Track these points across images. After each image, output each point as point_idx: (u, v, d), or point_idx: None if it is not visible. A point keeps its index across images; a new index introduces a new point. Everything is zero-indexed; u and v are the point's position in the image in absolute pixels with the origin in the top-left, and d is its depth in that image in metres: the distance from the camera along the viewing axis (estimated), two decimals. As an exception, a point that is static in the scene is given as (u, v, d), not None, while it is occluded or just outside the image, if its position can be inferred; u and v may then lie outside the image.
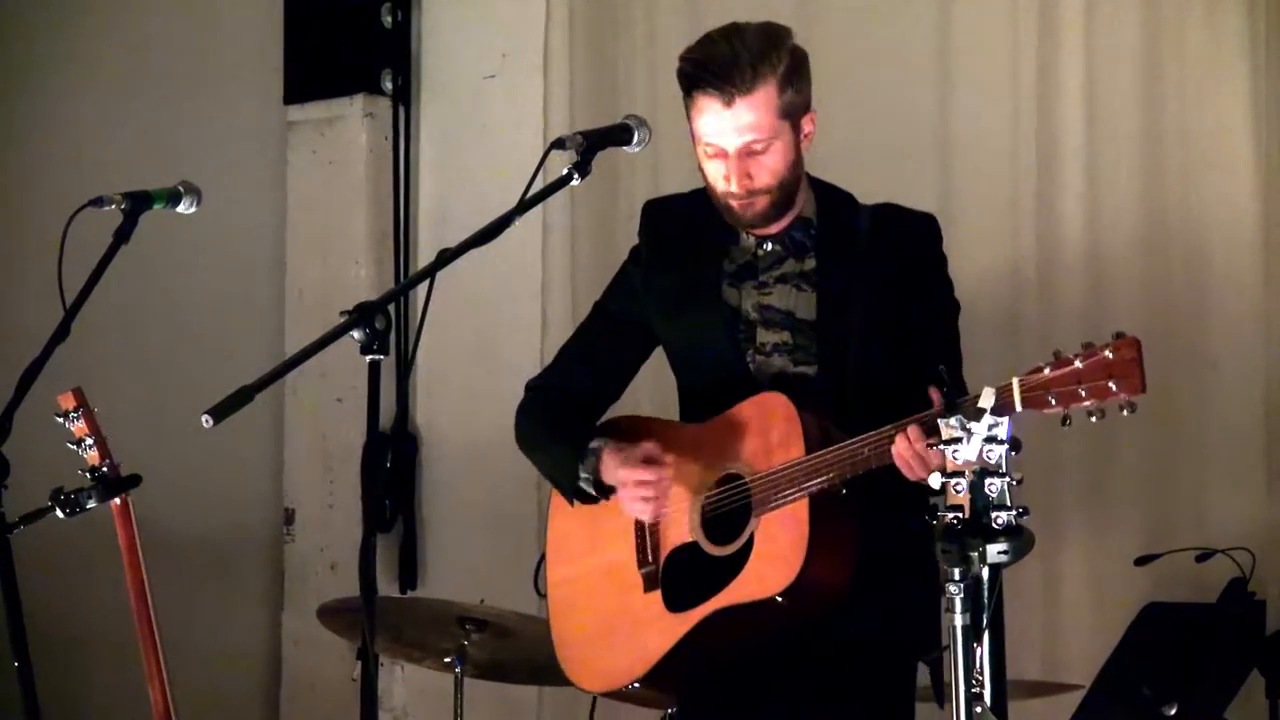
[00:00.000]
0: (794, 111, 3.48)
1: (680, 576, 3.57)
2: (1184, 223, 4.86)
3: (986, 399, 2.76)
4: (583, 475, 3.63)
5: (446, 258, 3.18)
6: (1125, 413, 2.91)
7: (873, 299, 3.53)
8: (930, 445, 2.87)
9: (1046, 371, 2.93)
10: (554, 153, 3.31)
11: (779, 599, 3.36)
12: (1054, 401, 2.93)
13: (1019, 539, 2.75)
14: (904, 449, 3.22)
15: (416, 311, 4.21)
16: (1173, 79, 4.88)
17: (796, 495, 3.37)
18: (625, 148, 3.45)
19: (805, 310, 3.56)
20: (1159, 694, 4.03)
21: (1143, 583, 4.56)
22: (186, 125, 6.51)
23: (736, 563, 3.45)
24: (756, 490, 3.45)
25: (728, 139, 3.46)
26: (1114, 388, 2.90)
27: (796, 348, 3.56)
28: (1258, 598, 4.37)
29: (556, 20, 5.81)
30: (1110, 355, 2.92)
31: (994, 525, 2.73)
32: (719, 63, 3.44)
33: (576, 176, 3.30)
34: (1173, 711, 4.01)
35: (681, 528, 3.57)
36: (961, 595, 2.74)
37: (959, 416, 2.75)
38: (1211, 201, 4.83)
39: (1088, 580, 4.88)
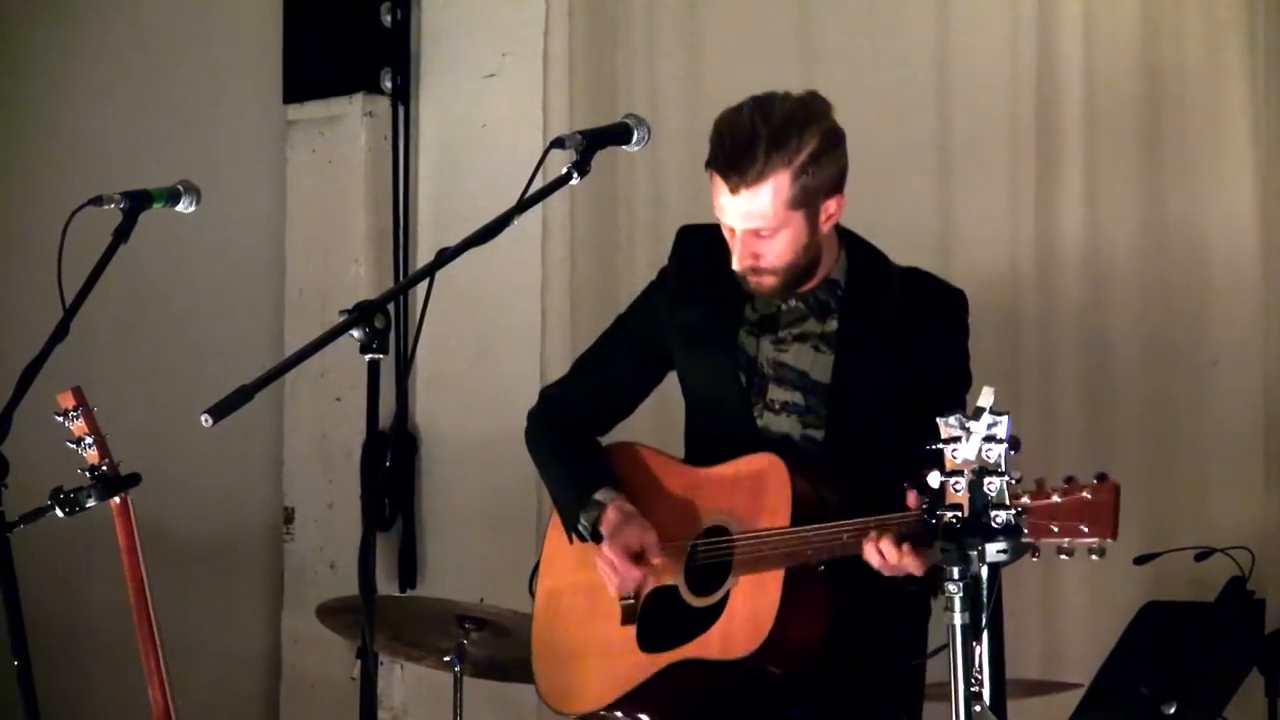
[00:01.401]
0: (809, 198, 3.42)
1: (658, 616, 3.58)
2: (1183, 221, 4.86)
3: (986, 398, 2.76)
4: (583, 522, 3.65)
5: (446, 257, 3.18)
6: (1094, 557, 2.88)
7: (889, 369, 3.51)
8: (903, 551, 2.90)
9: (1025, 500, 2.86)
10: (553, 152, 3.31)
11: (742, 661, 3.38)
12: (1026, 532, 2.85)
13: (1018, 538, 2.75)
14: (873, 557, 3.23)
15: (416, 310, 4.22)
16: (1172, 78, 4.88)
17: (774, 564, 3.38)
18: (625, 147, 3.43)
19: (820, 373, 3.55)
20: (1158, 693, 4.03)
21: (1142, 581, 4.56)
22: (186, 124, 6.51)
23: (711, 615, 3.47)
24: (739, 549, 3.46)
25: (733, 220, 3.46)
26: (1085, 530, 2.86)
27: (807, 410, 3.55)
28: (1257, 596, 4.36)
29: (556, 19, 5.81)
30: (1089, 496, 2.87)
31: (993, 524, 2.73)
32: (734, 145, 3.39)
33: (576, 175, 3.29)
34: (1172, 710, 4.01)
35: (667, 569, 3.58)
36: (960, 594, 2.74)
37: (958, 415, 2.75)
38: (1210, 200, 4.83)
39: (1087, 579, 4.88)
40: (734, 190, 3.41)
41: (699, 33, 5.52)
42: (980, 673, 2.78)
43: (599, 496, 3.63)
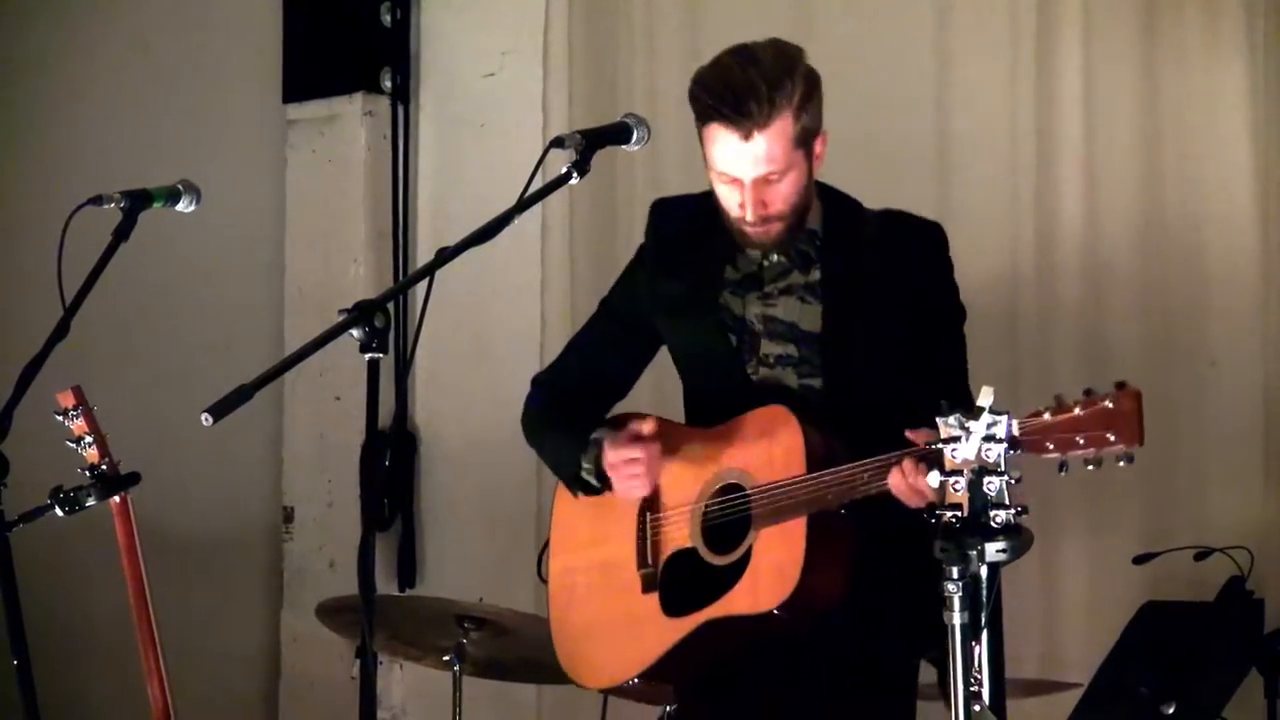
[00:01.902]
0: (807, 138, 3.46)
1: (678, 580, 3.58)
2: (1182, 222, 4.86)
3: (985, 397, 2.76)
4: (584, 466, 3.64)
5: (445, 256, 3.18)
6: (1121, 464, 2.87)
7: (878, 311, 3.52)
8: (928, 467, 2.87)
9: (1046, 416, 2.89)
10: (553, 151, 3.31)
11: (773, 614, 3.37)
12: (1051, 447, 2.88)
13: (1018, 538, 2.75)
14: (898, 482, 3.23)
15: (415, 310, 4.23)
16: (1170, 79, 4.88)
17: (795, 512, 3.38)
18: (624, 146, 3.44)
19: (810, 323, 3.56)
20: (1157, 693, 4.03)
21: (1141, 581, 4.57)
22: (185, 123, 6.52)
23: (734, 573, 3.46)
24: (757, 503, 3.46)
25: (744, 170, 3.45)
26: (1112, 438, 2.86)
27: (802, 360, 3.55)
28: (1256, 596, 4.36)
29: (556, 18, 5.81)
30: (1110, 405, 2.87)
31: (993, 524, 2.73)
32: (736, 93, 3.40)
33: (575, 175, 3.29)
34: (1171, 710, 4.01)
35: (682, 532, 3.58)
36: (960, 594, 2.74)
37: (958, 415, 2.76)
38: (1210, 200, 4.83)
39: (1086, 579, 4.89)
40: (746, 136, 3.41)
41: (698, 32, 5.52)
42: (979, 672, 2.78)
43: (595, 436, 3.63)
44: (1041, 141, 4.99)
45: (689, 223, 3.66)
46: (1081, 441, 2.87)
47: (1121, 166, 4.92)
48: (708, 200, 3.59)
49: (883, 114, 5.16)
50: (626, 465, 3.56)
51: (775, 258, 3.59)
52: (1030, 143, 5.00)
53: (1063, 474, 2.88)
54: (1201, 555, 4.41)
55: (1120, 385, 2.88)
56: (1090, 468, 2.89)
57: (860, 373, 3.52)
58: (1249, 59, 4.78)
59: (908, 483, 3.21)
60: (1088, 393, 2.89)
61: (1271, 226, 4.75)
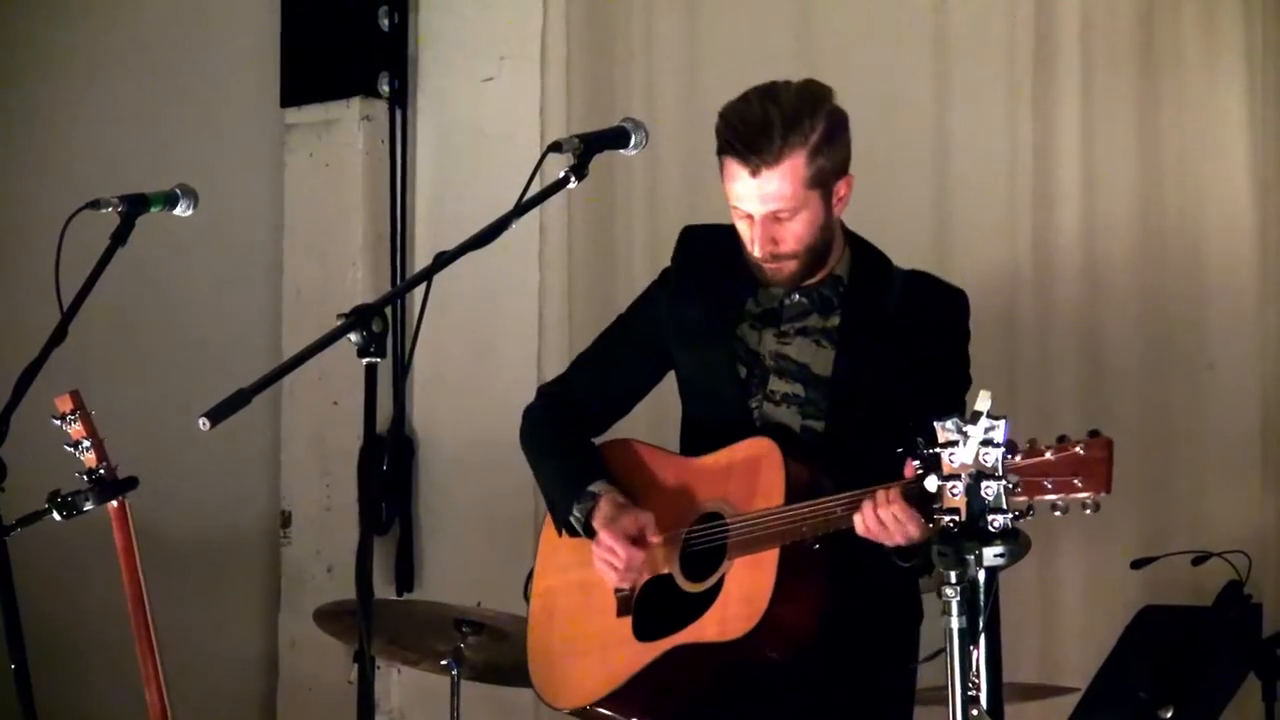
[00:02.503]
0: (824, 179, 3.48)
1: (653, 605, 3.58)
2: (1180, 224, 4.86)
3: (983, 402, 2.76)
4: (575, 514, 3.65)
5: (443, 260, 3.18)
6: (1087, 511, 2.88)
7: (890, 366, 3.53)
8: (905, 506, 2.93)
9: (1017, 459, 2.87)
10: (551, 155, 3.31)
11: (740, 642, 3.38)
12: (1019, 490, 2.88)
13: (1015, 542, 2.75)
14: (868, 519, 3.24)
15: (413, 314, 4.22)
16: (1169, 81, 4.88)
17: (768, 543, 3.39)
18: (622, 150, 3.44)
19: (821, 367, 3.57)
20: (1155, 697, 4.03)
21: (1139, 585, 4.57)
22: (184, 128, 6.51)
23: (706, 601, 3.47)
24: (734, 532, 3.47)
25: (752, 205, 3.47)
26: (1079, 485, 2.86)
27: (807, 401, 3.57)
28: (1254, 600, 4.36)
29: (554, 23, 5.81)
30: (1081, 452, 2.87)
31: (990, 528, 2.73)
32: (749, 129, 3.43)
33: (573, 179, 3.29)
34: (1169, 715, 4.01)
35: (660, 558, 3.59)
36: (958, 598, 2.74)
37: (955, 419, 2.75)
38: (1208, 203, 4.83)
39: (1084, 583, 4.88)
40: (754, 172, 3.43)
41: (696, 36, 5.52)
42: (977, 676, 2.78)
43: (594, 489, 3.63)
44: (1039, 145, 4.99)
45: (716, 253, 3.67)
46: (1049, 485, 2.87)
47: (1120, 170, 4.92)
48: (736, 232, 3.59)
49: (881, 120, 5.16)
50: (607, 552, 3.57)
51: (797, 297, 3.60)
52: (1029, 146, 5.00)
53: (1029, 517, 2.87)
54: (1199, 559, 4.41)
55: (1094, 433, 2.89)
56: (1056, 514, 2.89)
57: (863, 422, 3.53)
58: (1247, 64, 4.78)
59: (876, 515, 3.22)
60: (1061, 438, 2.89)
61: (1269, 230, 4.75)
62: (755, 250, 3.50)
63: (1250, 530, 4.61)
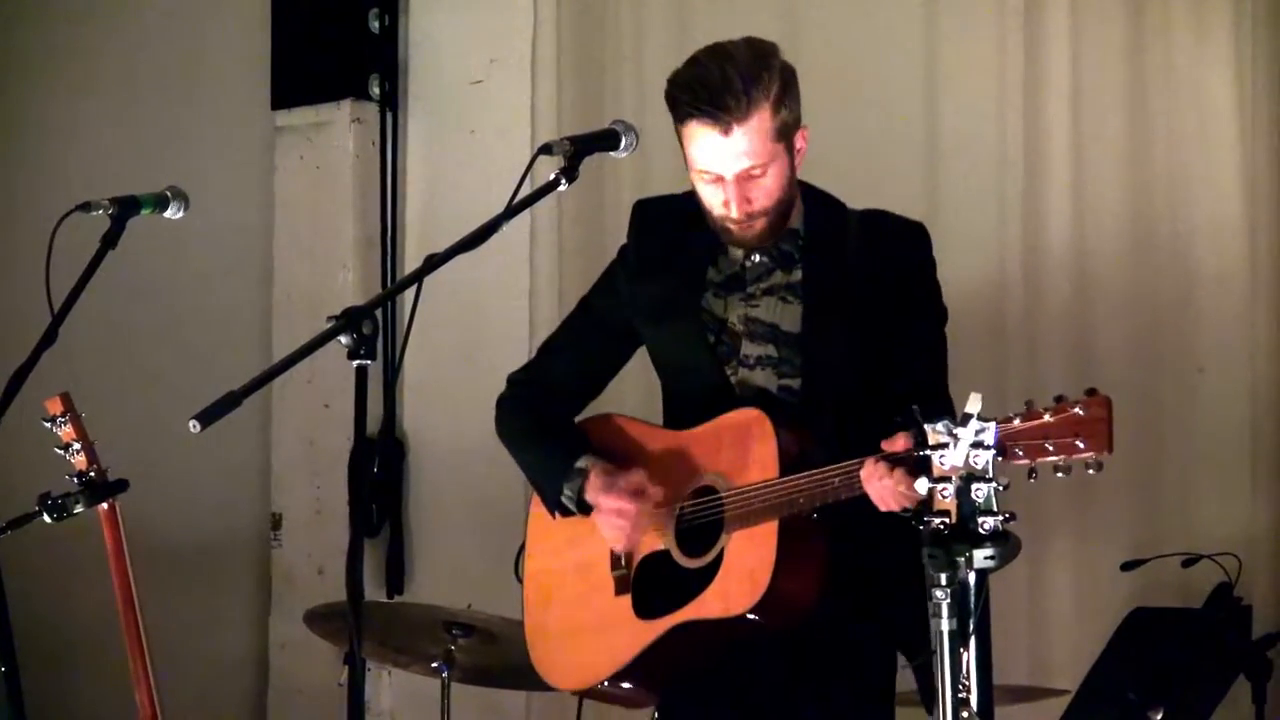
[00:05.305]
0: (788, 131, 3.46)
1: (651, 583, 3.58)
2: (1170, 227, 4.87)
3: (973, 404, 2.76)
4: (566, 494, 3.64)
5: (434, 263, 3.18)
6: (1090, 471, 2.87)
7: (859, 312, 3.51)
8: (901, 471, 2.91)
9: (1016, 422, 2.89)
10: (541, 158, 3.31)
11: (745, 617, 3.37)
12: (1020, 454, 2.89)
13: (1005, 544, 2.75)
14: (873, 491, 3.23)
15: (404, 316, 4.22)
16: (1159, 81, 4.89)
17: (766, 516, 3.38)
18: (612, 153, 3.44)
19: (790, 323, 3.55)
20: (1145, 699, 4.04)
21: (1129, 588, 4.57)
22: (174, 130, 6.51)
23: (706, 576, 3.46)
24: (730, 506, 3.46)
25: (725, 166, 3.44)
26: (1081, 445, 2.86)
27: (781, 361, 3.54)
28: (1244, 603, 4.37)
29: (544, 25, 5.81)
30: (1081, 412, 2.87)
31: (980, 530, 2.73)
32: (712, 90, 3.41)
33: (564, 181, 3.30)
34: (1159, 716, 4.02)
35: (656, 535, 3.58)
36: (948, 600, 2.74)
37: (945, 421, 2.75)
38: (1198, 206, 4.84)
39: (1074, 585, 4.89)
40: (726, 131, 3.40)
41: (686, 39, 5.51)
42: (968, 678, 2.78)
43: (580, 464, 3.62)
44: (1029, 145, 4.99)
45: (671, 224, 3.66)
46: (1050, 448, 2.88)
47: (1110, 171, 4.93)
48: (690, 201, 3.57)
49: (870, 116, 5.17)
50: (618, 515, 3.56)
51: (758, 257, 3.58)
52: (1018, 146, 5.01)
53: (1032, 480, 2.88)
54: (1189, 561, 4.42)
55: (1091, 392, 2.89)
56: (1059, 475, 2.89)
57: (839, 373, 3.51)
58: (1237, 65, 4.79)
59: (881, 484, 3.21)
60: (1058, 399, 2.90)
61: (1259, 233, 4.76)
62: (732, 211, 3.47)
63: (1240, 533, 4.62)
